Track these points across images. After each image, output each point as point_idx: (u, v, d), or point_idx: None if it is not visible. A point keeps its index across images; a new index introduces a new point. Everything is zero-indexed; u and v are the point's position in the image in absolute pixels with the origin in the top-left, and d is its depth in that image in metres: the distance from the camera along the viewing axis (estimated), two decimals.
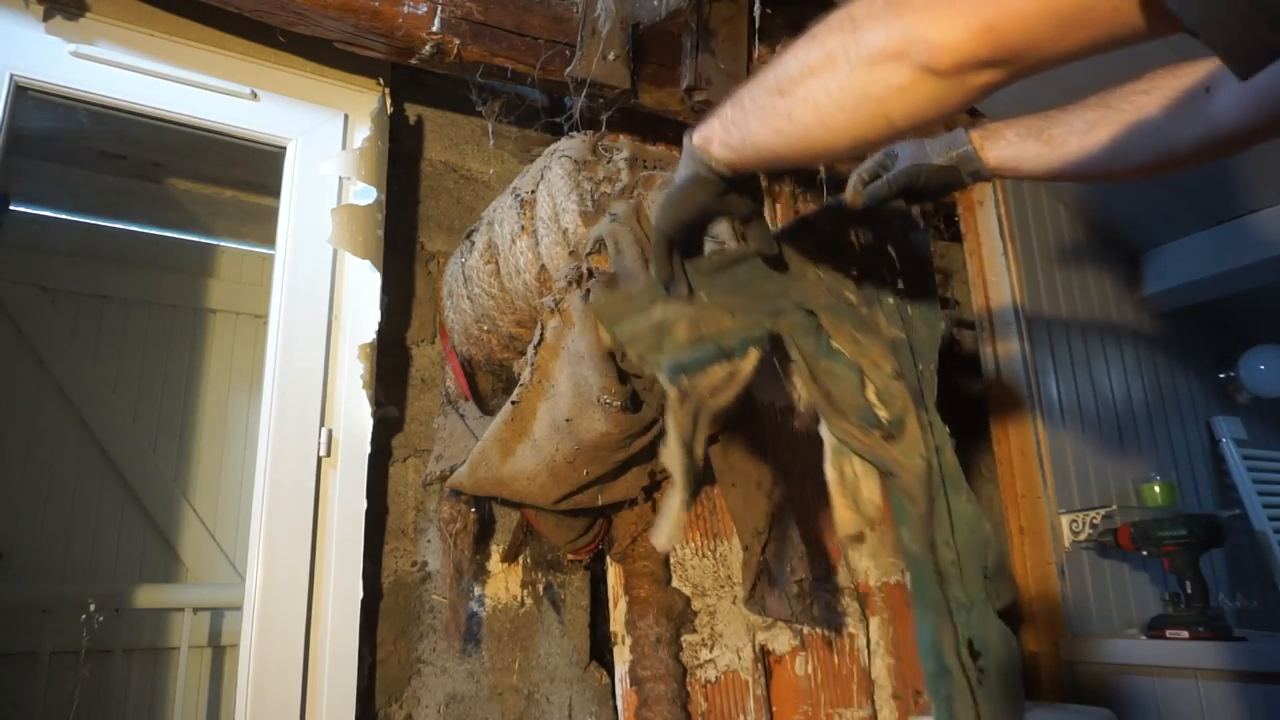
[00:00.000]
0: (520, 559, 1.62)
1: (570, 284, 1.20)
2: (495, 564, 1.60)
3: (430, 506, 1.58)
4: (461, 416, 1.54)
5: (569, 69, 1.65)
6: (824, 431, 0.89)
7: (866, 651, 1.82)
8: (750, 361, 0.87)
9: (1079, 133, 0.90)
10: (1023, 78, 0.57)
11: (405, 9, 1.50)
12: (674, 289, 0.88)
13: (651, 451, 1.30)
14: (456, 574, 1.50)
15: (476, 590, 1.57)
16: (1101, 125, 0.89)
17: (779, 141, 0.71)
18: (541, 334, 1.22)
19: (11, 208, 2.68)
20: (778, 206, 2.14)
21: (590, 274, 1.19)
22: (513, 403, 1.23)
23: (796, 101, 0.68)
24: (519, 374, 1.27)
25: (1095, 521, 2.10)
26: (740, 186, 0.82)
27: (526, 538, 1.62)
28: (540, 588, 1.63)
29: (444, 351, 1.62)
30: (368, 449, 1.50)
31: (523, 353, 1.48)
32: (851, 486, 0.87)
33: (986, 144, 0.96)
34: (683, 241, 0.87)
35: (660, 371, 0.84)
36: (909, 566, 0.88)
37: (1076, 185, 2.44)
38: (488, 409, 1.59)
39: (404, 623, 1.50)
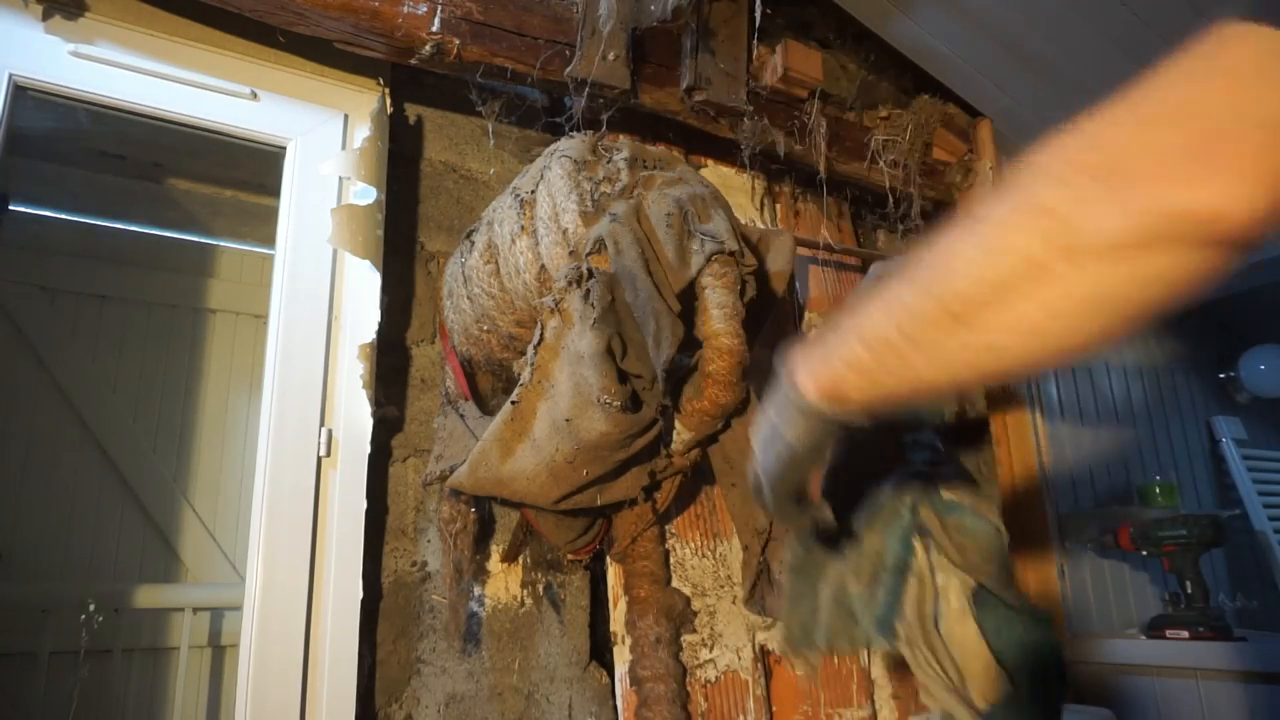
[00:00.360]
0: (520, 559, 1.62)
1: (570, 284, 1.20)
2: (495, 564, 1.60)
3: (430, 506, 1.58)
4: (461, 416, 1.54)
5: (569, 69, 1.65)
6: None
7: (866, 651, 1.82)
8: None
9: None
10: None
11: (405, 9, 1.50)
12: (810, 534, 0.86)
13: (651, 451, 1.30)
14: (456, 574, 1.50)
15: (476, 590, 1.57)
16: None
17: (968, 376, 0.56)
18: (541, 334, 1.23)
19: (11, 208, 2.68)
20: (778, 206, 2.14)
21: (590, 274, 1.19)
22: (512, 403, 1.23)
23: (996, 330, 0.52)
24: (519, 374, 1.28)
25: (1095, 522, 2.10)
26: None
27: (526, 538, 1.62)
28: (540, 588, 1.63)
29: (444, 351, 1.62)
30: (368, 449, 1.50)
31: (522, 353, 1.48)
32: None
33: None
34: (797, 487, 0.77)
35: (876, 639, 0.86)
36: None
37: None
38: (487, 409, 1.59)
39: (404, 623, 1.50)
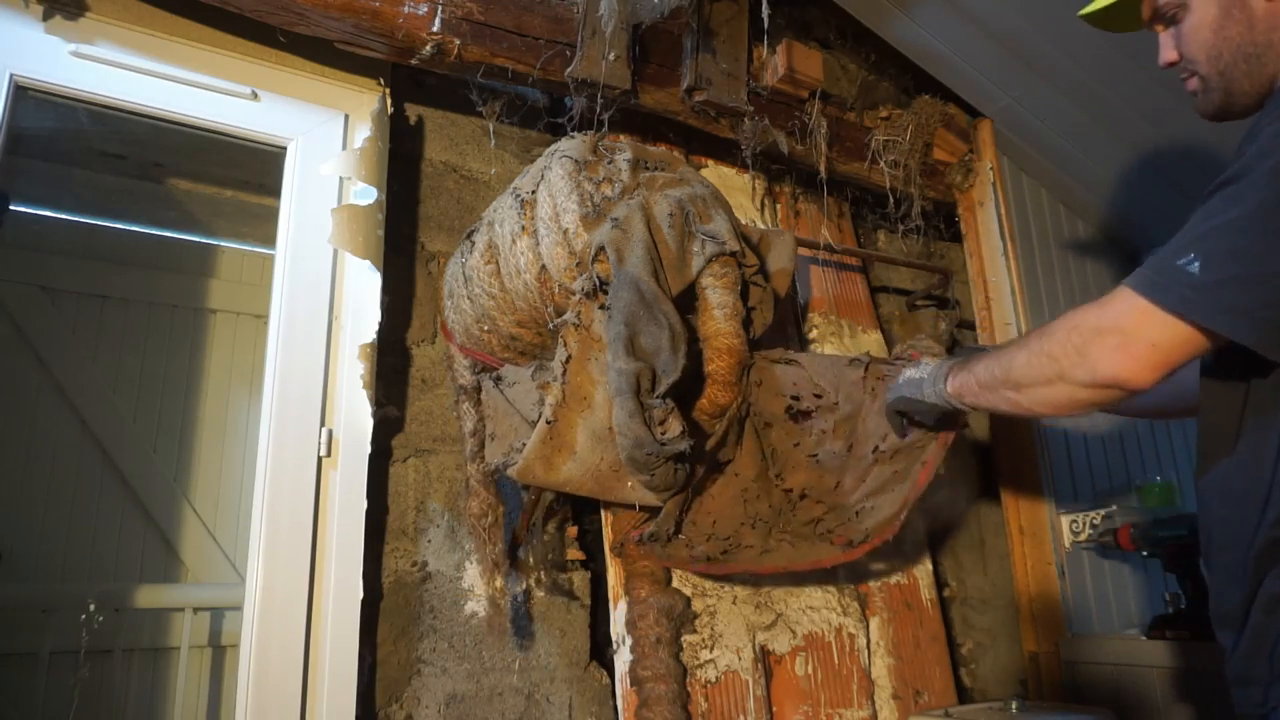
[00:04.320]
0: (520, 559, 1.62)
1: (585, 297, 1.23)
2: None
3: (430, 506, 1.58)
4: (498, 386, 1.52)
5: (569, 69, 1.65)
6: None
7: (866, 651, 1.82)
8: None
9: None
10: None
11: (406, 9, 1.50)
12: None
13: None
14: (494, 569, 1.50)
15: (478, 590, 1.57)
16: None
17: (1005, 409, 1.16)
18: (567, 350, 1.24)
19: (11, 208, 2.68)
20: (778, 206, 2.14)
21: (602, 284, 1.21)
22: (548, 422, 1.24)
23: (1032, 399, 1.08)
24: (545, 395, 1.29)
25: (1095, 521, 2.09)
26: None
27: (528, 534, 1.62)
28: (541, 588, 1.63)
29: (454, 348, 1.61)
30: (368, 449, 1.50)
31: (523, 352, 1.48)
32: None
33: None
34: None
35: None
36: None
37: (1077, 185, 2.44)
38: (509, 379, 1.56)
39: (404, 623, 1.50)
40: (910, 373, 1.33)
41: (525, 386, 1.42)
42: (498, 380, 1.50)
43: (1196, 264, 0.86)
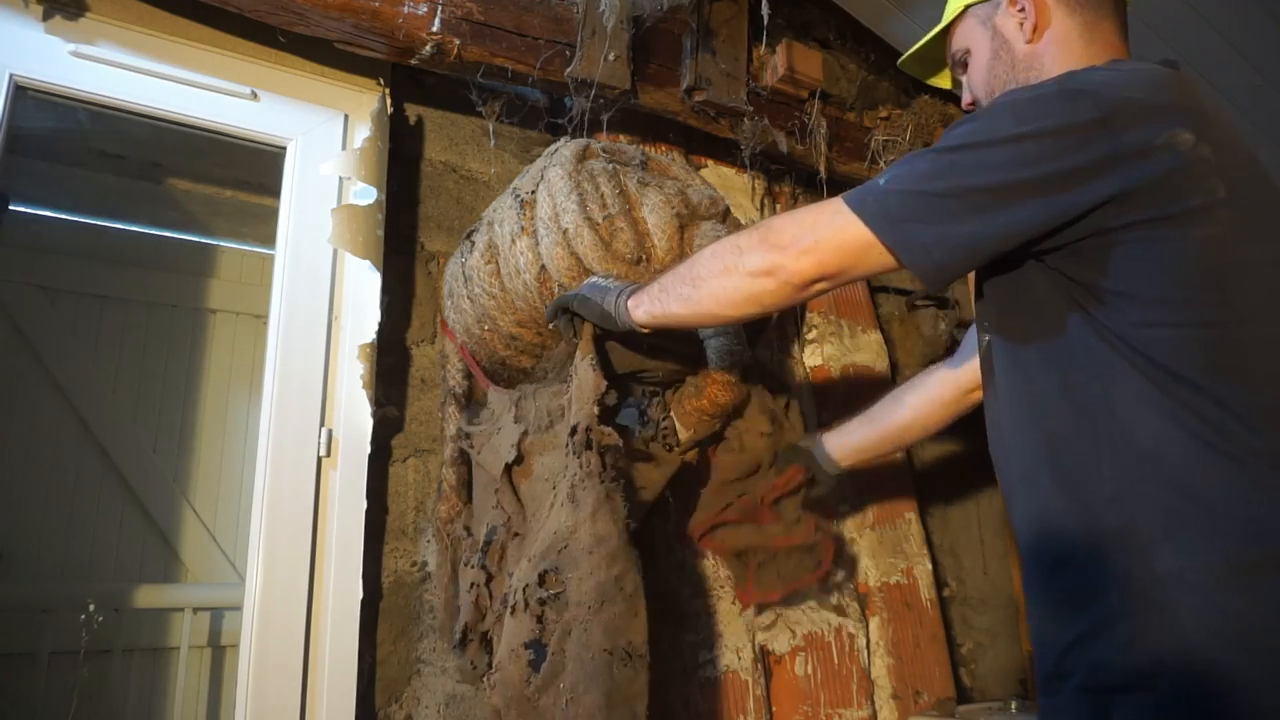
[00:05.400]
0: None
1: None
2: None
3: (430, 506, 1.58)
4: (476, 458, 1.52)
5: (569, 69, 1.65)
6: None
7: (866, 651, 1.82)
8: None
9: (883, 418, 1.49)
10: (843, 285, 1.07)
11: (405, 9, 1.50)
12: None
13: None
14: (454, 573, 1.50)
15: None
16: (894, 413, 1.48)
17: (688, 314, 1.11)
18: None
19: (11, 208, 2.67)
20: (778, 206, 2.14)
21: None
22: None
23: (704, 293, 1.07)
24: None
25: None
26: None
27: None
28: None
29: (455, 348, 1.61)
30: (368, 449, 1.50)
31: (523, 351, 1.48)
32: None
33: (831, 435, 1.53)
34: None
35: None
36: None
37: None
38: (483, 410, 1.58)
39: (404, 623, 1.50)
40: (599, 280, 1.25)
41: (490, 452, 1.41)
42: (468, 440, 1.48)
43: (886, 177, 0.95)
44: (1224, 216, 0.85)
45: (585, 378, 1.22)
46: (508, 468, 1.36)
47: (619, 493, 1.16)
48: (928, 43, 1.26)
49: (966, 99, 1.20)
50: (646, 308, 1.14)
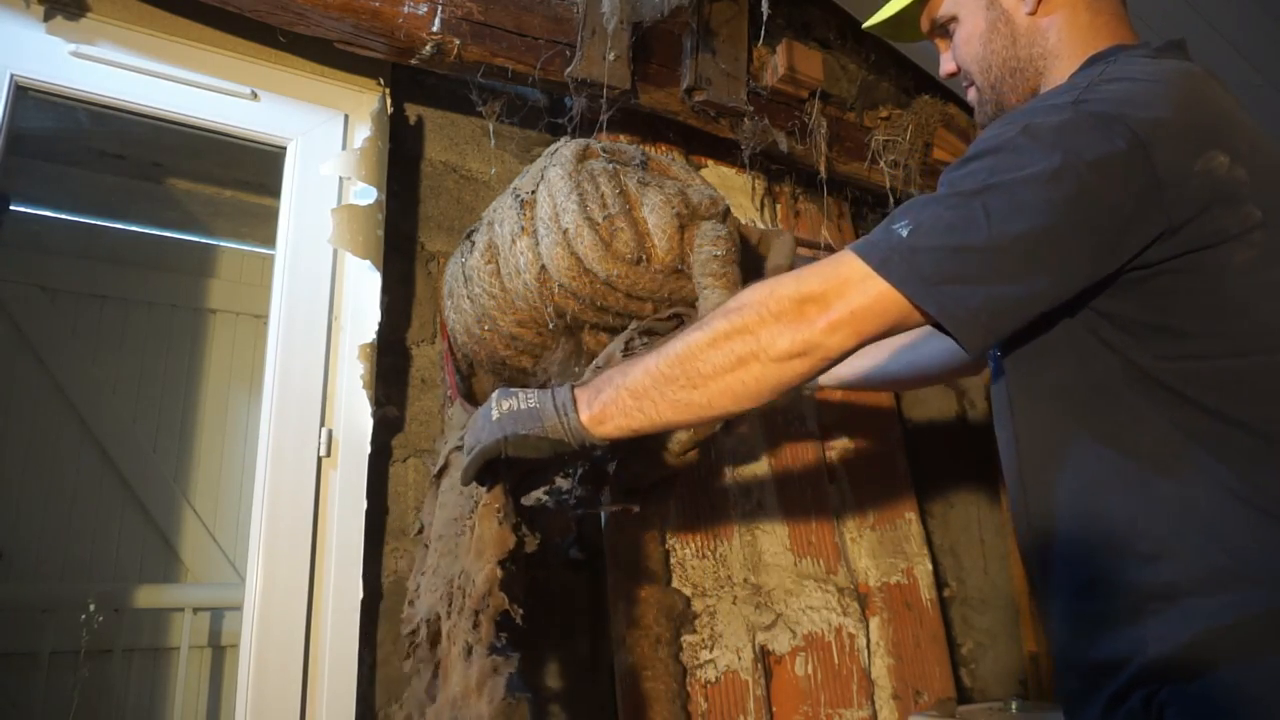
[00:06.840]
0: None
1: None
2: None
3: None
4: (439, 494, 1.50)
5: (569, 69, 1.65)
6: None
7: (866, 652, 1.82)
8: None
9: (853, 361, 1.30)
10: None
11: (405, 9, 1.50)
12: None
13: None
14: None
15: None
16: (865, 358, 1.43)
17: (690, 419, 0.95)
18: None
19: (11, 208, 2.67)
20: (778, 206, 2.14)
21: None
22: None
23: (716, 391, 0.90)
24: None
25: None
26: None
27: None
28: (539, 588, 1.63)
29: (443, 352, 1.62)
30: (368, 449, 1.50)
31: (524, 351, 1.48)
32: None
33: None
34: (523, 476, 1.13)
35: None
36: None
37: None
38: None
39: None
40: (507, 404, 1.00)
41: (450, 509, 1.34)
42: (440, 475, 1.43)
43: (908, 228, 0.84)
44: (1258, 240, 0.81)
45: (489, 534, 1.06)
46: (435, 477, 1.39)
47: (511, 667, 1.06)
48: (904, 8, 1.15)
49: (948, 68, 1.13)
50: (617, 422, 0.95)
